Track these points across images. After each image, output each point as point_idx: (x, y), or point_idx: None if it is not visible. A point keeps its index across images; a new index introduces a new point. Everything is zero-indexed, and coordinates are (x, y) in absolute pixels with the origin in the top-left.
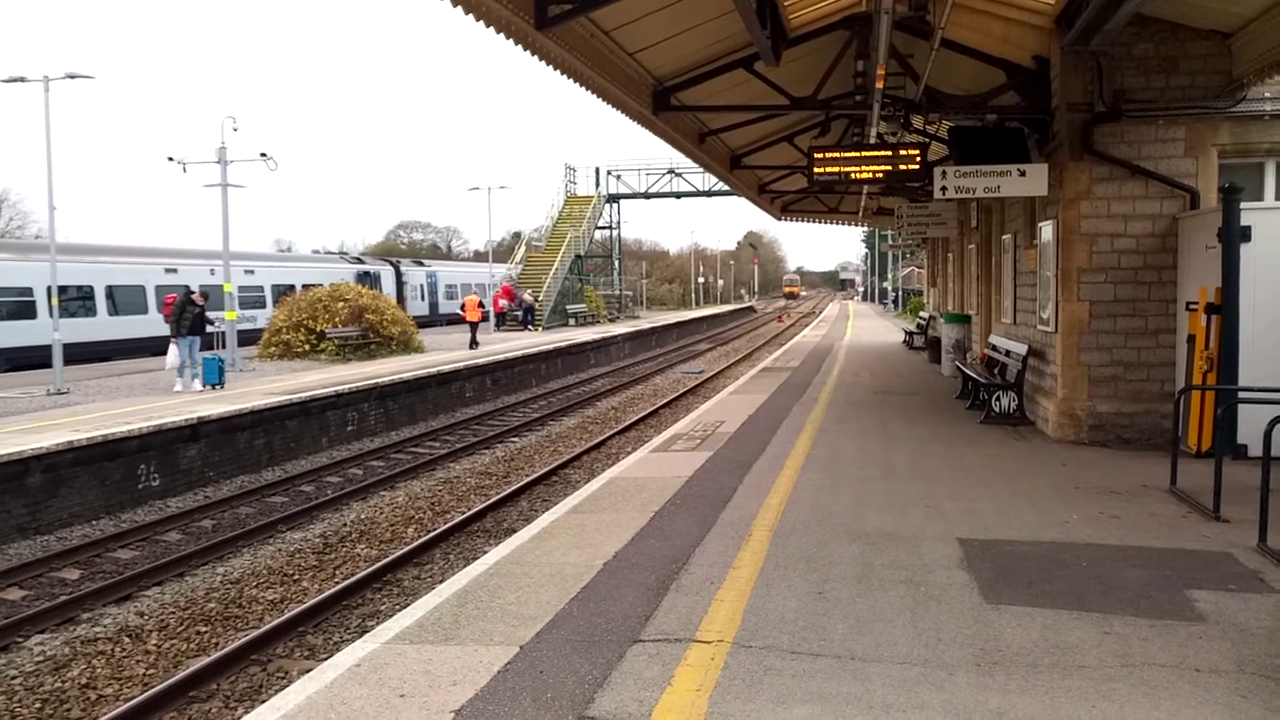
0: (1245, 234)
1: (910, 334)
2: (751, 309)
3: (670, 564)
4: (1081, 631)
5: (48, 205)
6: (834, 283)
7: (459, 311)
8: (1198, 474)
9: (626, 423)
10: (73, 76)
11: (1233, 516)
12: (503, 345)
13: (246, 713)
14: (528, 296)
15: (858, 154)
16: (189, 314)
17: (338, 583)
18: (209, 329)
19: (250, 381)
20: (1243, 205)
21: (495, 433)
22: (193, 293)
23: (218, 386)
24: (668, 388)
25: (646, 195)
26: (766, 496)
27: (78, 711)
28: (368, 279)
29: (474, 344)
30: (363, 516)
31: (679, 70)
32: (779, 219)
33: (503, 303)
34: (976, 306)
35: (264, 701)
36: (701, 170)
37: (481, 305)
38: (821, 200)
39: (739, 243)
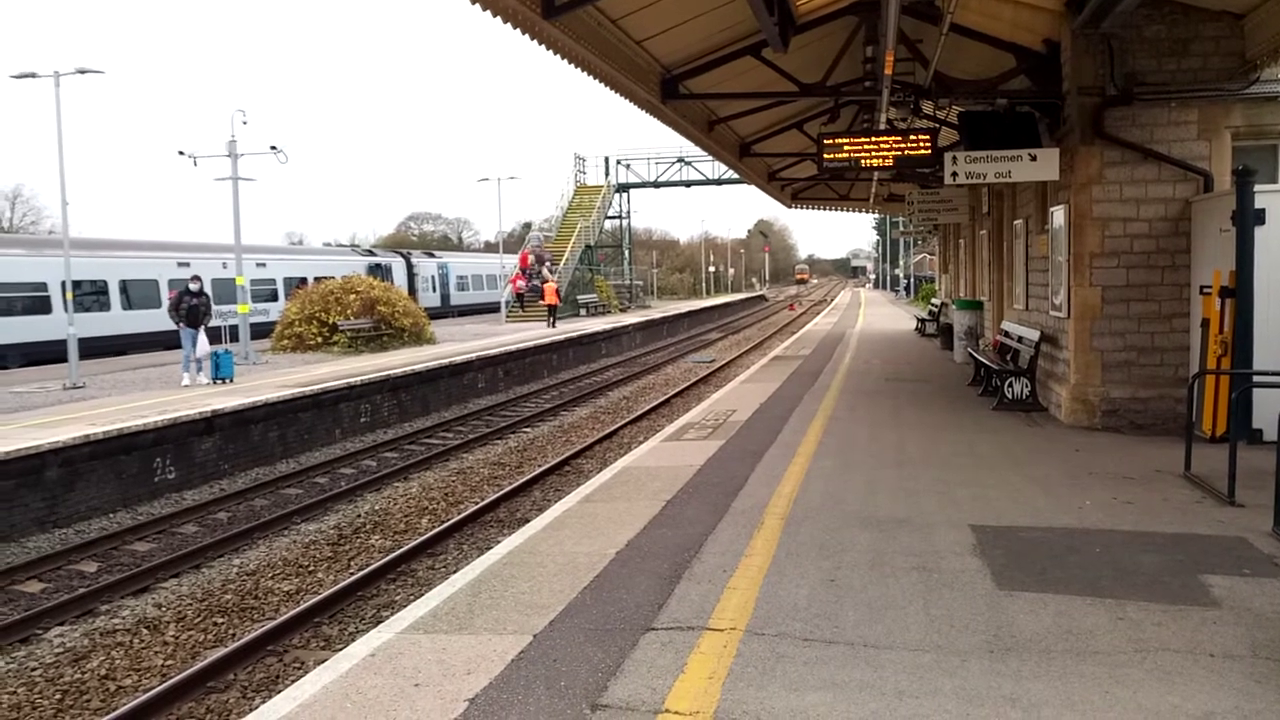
0: (1259, 217)
1: (922, 321)
2: (763, 298)
3: (682, 552)
4: (1095, 617)
5: (60, 200)
6: (845, 270)
7: (475, 300)
8: (1212, 459)
9: (638, 412)
10: (83, 72)
11: (1247, 501)
12: (514, 336)
13: (264, 702)
14: (547, 272)
15: (868, 140)
16: (185, 304)
17: (353, 573)
18: (211, 322)
19: (263, 374)
20: (1257, 188)
21: (508, 423)
22: (189, 281)
23: (227, 380)
24: (679, 377)
25: (656, 184)
26: (778, 484)
27: (97, 702)
28: (379, 271)
29: (552, 324)
30: (377, 508)
31: (687, 58)
32: (789, 206)
33: (520, 282)
34: (988, 293)
35: (281, 691)
36: (711, 158)
37: (559, 291)
38: (832, 187)
39: (749, 231)
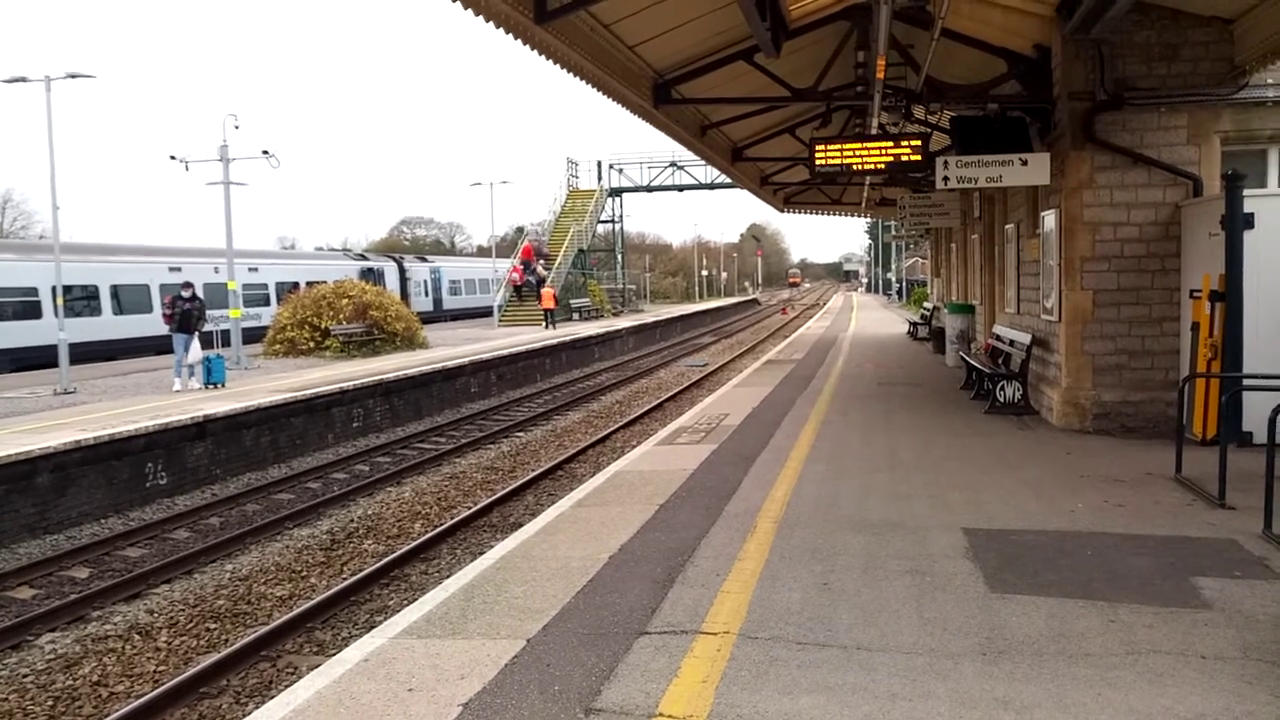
0: (1248, 221)
1: (914, 325)
2: (755, 302)
3: (676, 556)
4: (1087, 620)
5: (51, 205)
6: (838, 274)
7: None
8: (1203, 462)
9: (631, 416)
10: (74, 76)
11: (1238, 504)
12: (507, 340)
13: (257, 708)
14: (541, 270)
15: (859, 145)
16: (179, 308)
17: (345, 579)
18: (205, 326)
19: (256, 379)
20: (1246, 192)
21: (501, 428)
22: (181, 287)
23: (219, 385)
24: (672, 381)
25: (649, 188)
26: (771, 488)
27: (89, 709)
28: (371, 275)
29: (550, 326)
30: (370, 512)
31: (679, 63)
32: (781, 211)
33: (514, 276)
34: (980, 296)
35: (274, 697)
36: (704, 163)
37: (556, 297)
38: (824, 192)
39: (742, 235)
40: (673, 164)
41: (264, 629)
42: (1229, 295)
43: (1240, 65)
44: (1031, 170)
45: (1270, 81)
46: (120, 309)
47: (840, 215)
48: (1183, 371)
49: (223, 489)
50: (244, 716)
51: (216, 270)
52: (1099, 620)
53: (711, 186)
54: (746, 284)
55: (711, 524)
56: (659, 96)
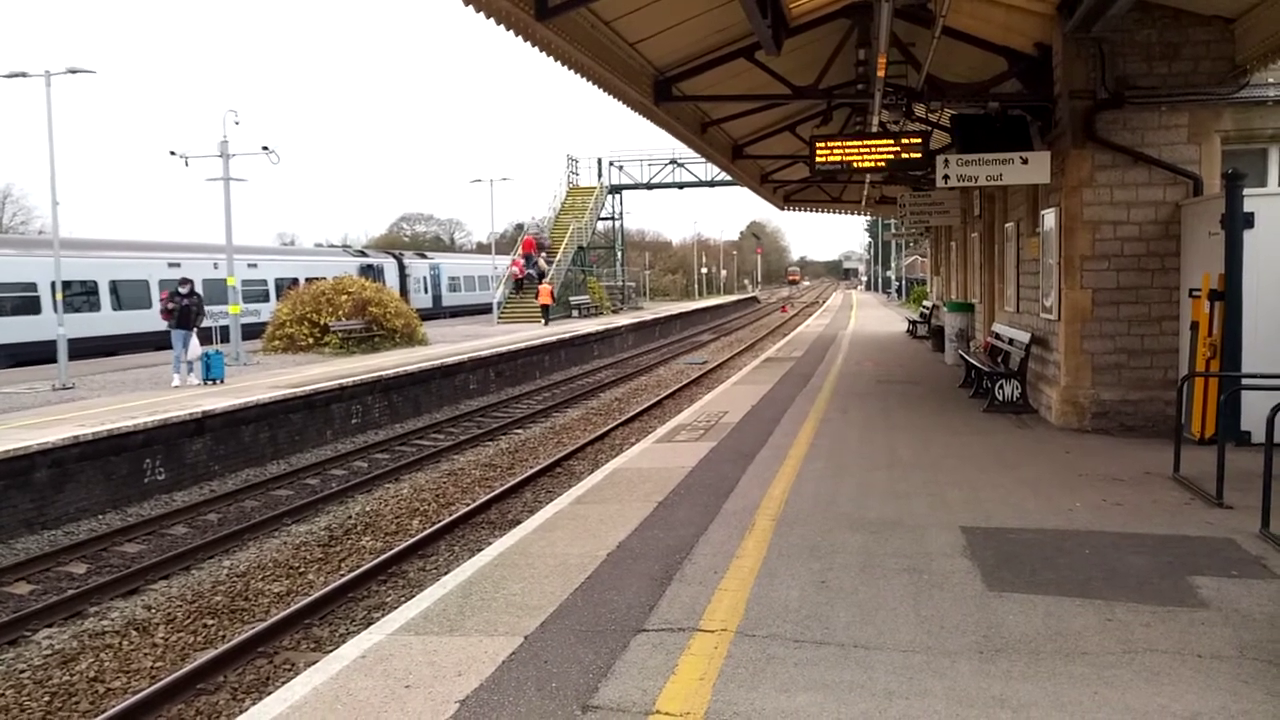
0: (1248, 220)
1: (914, 323)
2: (755, 299)
3: (674, 554)
4: (1084, 618)
5: (51, 200)
6: (838, 272)
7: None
8: (1201, 461)
9: (630, 414)
10: (74, 71)
11: (1236, 503)
12: (506, 337)
13: (254, 704)
14: (543, 263)
15: (860, 143)
16: (177, 304)
17: (343, 575)
18: (204, 322)
19: (255, 375)
20: (1246, 191)
21: (499, 424)
22: (179, 284)
23: (218, 381)
24: (671, 379)
25: (649, 186)
26: (769, 486)
27: (86, 705)
28: (371, 272)
29: (545, 323)
30: (368, 509)
31: (680, 60)
32: (782, 209)
33: (514, 270)
34: (980, 295)
35: (271, 693)
36: (704, 160)
37: (553, 293)
38: (824, 190)
39: (742, 233)
40: (673, 161)
41: (261, 625)
42: (1228, 294)
43: (1241, 64)
44: (1032, 169)
45: (1271, 81)
46: (119, 305)
47: (840, 213)
48: (1182, 370)
49: (221, 485)
50: (241, 713)
51: (216, 266)
52: (1096, 619)
53: (711, 184)
54: (746, 282)
55: (710, 521)
56: (660, 94)
